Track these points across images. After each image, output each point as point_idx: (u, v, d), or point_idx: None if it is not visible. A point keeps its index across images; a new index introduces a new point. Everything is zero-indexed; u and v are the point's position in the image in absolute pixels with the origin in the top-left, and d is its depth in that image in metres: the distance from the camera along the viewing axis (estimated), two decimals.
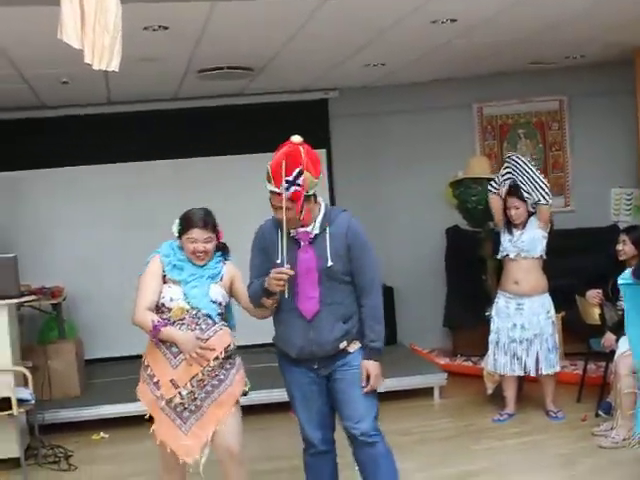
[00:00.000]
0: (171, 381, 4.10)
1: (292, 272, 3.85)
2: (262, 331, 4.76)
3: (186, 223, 4.18)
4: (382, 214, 8.69)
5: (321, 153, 8.70)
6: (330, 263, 3.92)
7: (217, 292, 4.19)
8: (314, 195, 3.97)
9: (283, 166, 3.78)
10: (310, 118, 8.35)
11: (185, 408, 4.13)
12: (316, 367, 4.05)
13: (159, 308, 4.15)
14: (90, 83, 7.04)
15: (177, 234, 4.20)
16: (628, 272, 4.80)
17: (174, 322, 4.10)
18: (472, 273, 7.68)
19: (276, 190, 3.83)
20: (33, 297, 6.79)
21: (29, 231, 8.37)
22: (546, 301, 6.40)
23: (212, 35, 5.85)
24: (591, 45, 7.36)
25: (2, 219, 8.29)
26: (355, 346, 4.05)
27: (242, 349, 4.41)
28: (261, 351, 6.67)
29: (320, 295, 3.94)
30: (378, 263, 4.10)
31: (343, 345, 4.00)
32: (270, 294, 3.95)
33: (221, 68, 7.03)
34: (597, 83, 8.49)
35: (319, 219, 3.98)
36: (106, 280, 8.29)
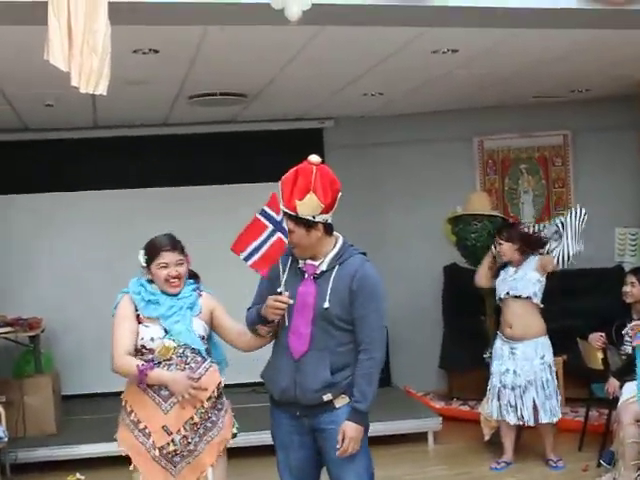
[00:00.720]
0: (163, 427, 3.84)
1: (291, 301, 3.63)
2: (245, 369, 4.58)
3: (153, 249, 3.96)
4: (377, 248, 8.43)
5: None
6: (326, 305, 3.64)
7: (199, 325, 3.95)
8: (325, 225, 3.73)
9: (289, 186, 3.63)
10: (304, 148, 8.11)
11: (177, 454, 3.88)
12: (298, 414, 3.75)
13: (139, 351, 3.88)
14: (76, 106, 6.94)
15: (145, 264, 3.97)
16: None
17: (160, 363, 3.84)
18: (470, 313, 7.58)
19: (285, 210, 3.64)
20: (9, 329, 6.61)
21: (7, 258, 8.16)
22: (540, 345, 6.19)
23: (204, 60, 5.76)
24: (596, 78, 7.28)
25: None
26: (343, 401, 3.70)
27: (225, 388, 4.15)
28: (244, 391, 6.47)
29: (311, 336, 3.67)
30: (384, 317, 3.76)
31: (327, 397, 3.68)
32: (266, 322, 3.74)
33: (214, 94, 6.94)
34: (602, 118, 8.38)
35: (330, 255, 3.74)
36: (87, 312, 8.05)
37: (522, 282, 6.17)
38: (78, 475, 6.37)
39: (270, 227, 3.63)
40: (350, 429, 3.64)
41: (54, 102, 6.81)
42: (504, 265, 6.37)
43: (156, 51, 5.42)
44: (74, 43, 3.40)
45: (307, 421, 3.74)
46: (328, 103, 7.74)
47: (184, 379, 3.79)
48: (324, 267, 3.71)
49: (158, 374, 3.81)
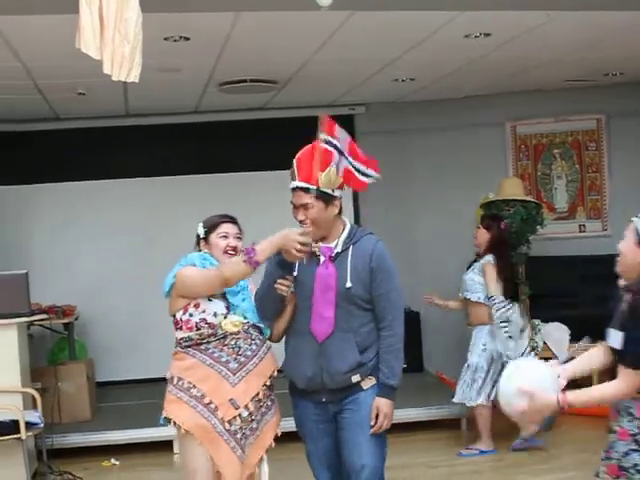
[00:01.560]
0: (230, 401, 3.67)
1: (310, 229, 3.60)
2: None
3: (214, 220, 3.88)
4: (409, 235, 8.52)
5: None
6: (349, 284, 3.64)
7: None
8: (338, 207, 3.73)
9: (317, 158, 3.59)
10: None
11: (244, 434, 3.72)
12: (324, 400, 3.72)
13: (196, 325, 3.71)
14: (108, 95, 6.97)
15: (203, 235, 3.86)
16: None
17: (225, 337, 3.70)
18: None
19: (301, 185, 3.63)
20: (44, 316, 6.67)
21: (42, 247, 8.26)
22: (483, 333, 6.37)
23: (235, 46, 5.76)
24: (630, 62, 7.18)
25: (14, 234, 8.19)
26: (370, 382, 3.70)
27: None
28: None
29: (335, 317, 3.65)
30: (402, 292, 3.78)
31: (356, 379, 3.67)
32: (285, 267, 3.66)
33: (244, 81, 6.93)
34: (636, 101, 8.27)
35: (342, 237, 3.73)
36: (120, 300, 8.13)
37: (470, 285, 6.43)
38: (113, 460, 6.45)
39: (336, 153, 3.64)
40: (384, 405, 3.66)
41: (85, 91, 6.84)
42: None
43: (187, 38, 5.43)
44: (106, 31, 3.38)
45: (332, 407, 3.72)
46: (359, 89, 7.71)
47: (290, 231, 3.61)
48: (339, 249, 3.70)
49: (266, 244, 3.61)
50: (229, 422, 3.67)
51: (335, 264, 3.68)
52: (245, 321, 3.75)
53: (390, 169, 8.57)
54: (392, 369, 3.68)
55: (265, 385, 3.76)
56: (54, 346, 7.67)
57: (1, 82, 6.46)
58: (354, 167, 3.72)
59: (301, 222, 3.65)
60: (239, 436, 3.70)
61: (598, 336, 6.81)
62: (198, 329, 3.71)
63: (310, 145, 3.68)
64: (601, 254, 7.28)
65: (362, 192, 8.59)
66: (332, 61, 6.35)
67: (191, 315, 3.71)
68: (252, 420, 3.73)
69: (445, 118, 8.51)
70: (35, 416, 5.67)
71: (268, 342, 3.83)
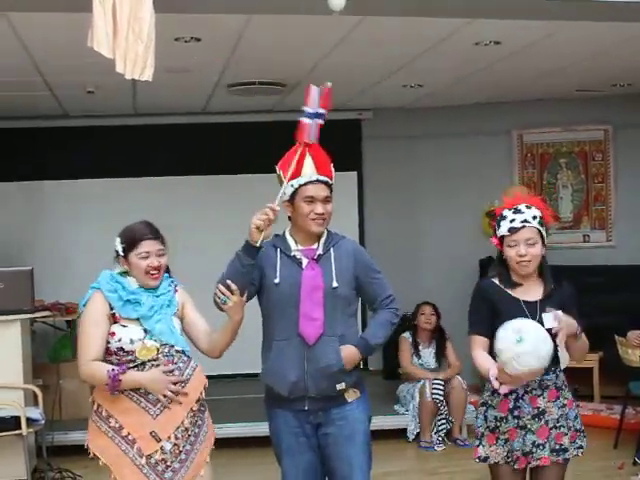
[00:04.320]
0: (151, 434, 3.46)
1: (278, 208, 3.51)
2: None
3: (133, 237, 3.59)
4: (414, 241, 8.52)
5: (352, 176, 8.56)
6: (335, 284, 3.60)
7: (177, 323, 3.63)
8: None
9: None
10: (342, 139, 8.15)
11: (168, 467, 3.48)
12: (306, 409, 3.62)
13: (115, 353, 3.51)
14: (116, 93, 6.99)
15: (122, 253, 3.59)
16: None
17: (144, 364, 3.50)
18: None
19: (322, 178, 3.60)
20: (47, 313, 6.63)
21: (47, 244, 8.26)
22: None
23: (246, 49, 5.79)
24: (638, 73, 7.17)
25: (21, 230, 8.19)
26: (354, 395, 3.66)
27: None
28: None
29: (324, 319, 3.59)
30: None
31: (341, 387, 3.61)
32: (248, 250, 3.48)
33: (253, 83, 6.95)
34: None
35: (323, 239, 3.68)
36: None
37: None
38: None
39: (306, 121, 3.60)
40: (349, 350, 3.60)
41: (95, 89, 6.85)
42: None
43: (198, 39, 5.45)
44: (119, 30, 3.39)
45: (314, 417, 3.63)
46: (367, 94, 7.72)
47: (160, 374, 3.48)
48: (320, 251, 3.65)
49: (132, 377, 3.45)
50: (148, 455, 3.47)
51: (319, 265, 3.64)
52: (162, 344, 3.53)
53: (396, 174, 8.65)
54: (376, 333, 3.71)
55: (192, 410, 3.54)
56: (56, 343, 7.63)
57: (11, 79, 6.48)
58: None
59: (318, 216, 3.58)
60: (161, 468, 3.48)
61: (600, 347, 6.86)
62: (118, 356, 3.50)
63: (312, 145, 3.64)
64: (605, 264, 7.31)
65: (367, 194, 8.65)
66: (341, 65, 6.35)
67: (109, 343, 3.51)
68: (180, 452, 3.52)
69: (452, 125, 8.52)
70: (36, 413, 5.64)
71: (193, 362, 3.61)
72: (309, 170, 3.60)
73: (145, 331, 3.52)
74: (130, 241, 3.59)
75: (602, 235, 8.54)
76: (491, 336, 3.45)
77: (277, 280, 3.59)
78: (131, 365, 3.49)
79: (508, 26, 5.40)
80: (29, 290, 5.87)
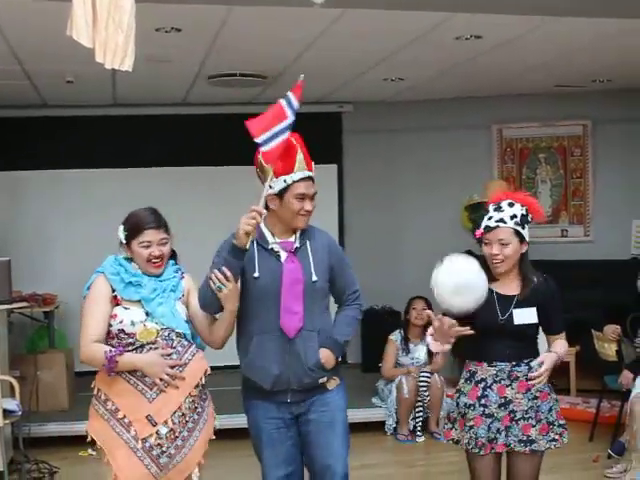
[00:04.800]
0: (147, 417, 3.45)
1: (264, 211, 3.51)
2: None
3: (135, 225, 3.58)
4: (394, 235, 8.53)
5: (332, 168, 8.56)
6: (315, 278, 3.63)
7: (182, 309, 3.63)
8: None
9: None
10: (322, 132, 8.17)
11: (163, 452, 3.47)
12: (289, 401, 3.66)
13: (116, 336, 3.51)
14: (96, 83, 6.95)
15: (124, 240, 3.60)
16: None
17: (143, 347, 3.49)
18: None
19: (311, 175, 3.61)
20: (24, 304, 6.59)
21: (25, 234, 8.20)
22: None
23: (226, 40, 5.75)
24: (618, 69, 7.22)
25: None
26: (335, 383, 3.72)
27: None
28: None
29: (304, 312, 3.62)
30: None
31: (323, 380, 3.67)
32: (237, 253, 3.47)
33: (234, 75, 6.92)
34: (623, 109, 8.31)
35: (298, 232, 3.69)
36: None
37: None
38: (90, 451, 6.39)
39: (290, 118, 3.52)
40: (326, 354, 3.65)
41: (74, 79, 6.80)
42: None
43: (178, 30, 5.41)
44: (99, 19, 3.34)
45: (296, 408, 3.67)
46: (348, 87, 7.71)
47: (157, 357, 3.46)
48: (297, 244, 3.67)
49: (129, 359, 3.45)
50: (144, 439, 3.44)
51: (297, 258, 3.65)
52: (163, 327, 3.51)
53: (376, 168, 8.66)
54: (343, 331, 3.74)
55: (190, 395, 3.52)
56: (34, 334, 7.62)
57: None
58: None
59: (307, 212, 3.60)
60: (156, 453, 3.46)
61: (577, 341, 6.90)
62: (119, 339, 3.50)
63: (292, 134, 3.59)
64: (582, 259, 7.35)
65: (347, 187, 8.64)
66: (322, 58, 6.35)
67: (110, 325, 3.51)
68: (176, 437, 3.48)
69: (433, 119, 8.53)
70: (13, 404, 5.57)
71: (193, 347, 3.60)
72: (301, 166, 3.59)
73: (147, 314, 3.52)
74: (133, 229, 3.58)
75: (580, 230, 8.58)
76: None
77: (257, 274, 3.59)
78: (130, 348, 3.48)
79: (489, 21, 5.40)
80: (6, 281, 5.88)
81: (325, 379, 3.67)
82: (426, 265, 8.87)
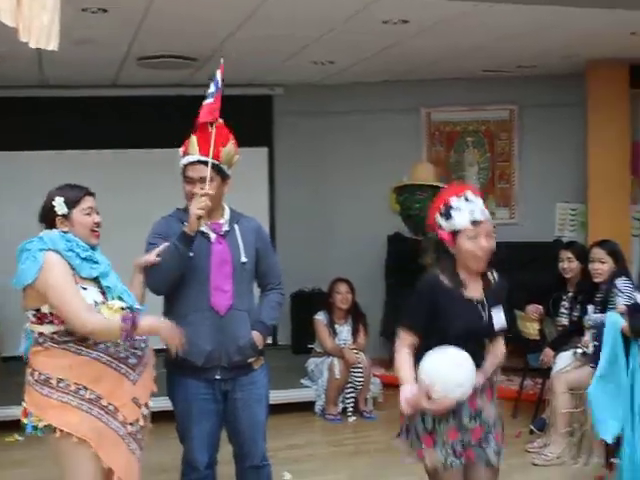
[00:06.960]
0: (133, 400, 3.34)
1: (212, 192, 3.70)
2: None
3: (75, 193, 3.45)
4: (322, 215, 8.55)
5: (263, 151, 8.55)
6: (244, 259, 3.83)
7: None
8: (228, 187, 3.88)
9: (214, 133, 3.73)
10: (253, 114, 8.16)
11: (140, 431, 3.42)
12: (219, 378, 3.82)
13: None
14: (22, 64, 6.79)
15: (65, 211, 3.42)
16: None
17: None
18: (412, 282, 7.50)
19: (202, 159, 3.73)
20: None
21: None
22: None
23: (155, 20, 5.67)
24: (546, 56, 7.33)
25: None
26: (260, 362, 3.95)
27: None
28: None
29: (233, 292, 3.80)
30: None
31: (251, 360, 3.88)
32: (186, 241, 3.65)
33: (163, 56, 6.83)
34: (548, 94, 8.44)
35: (226, 216, 3.89)
36: None
37: None
38: (17, 436, 6.33)
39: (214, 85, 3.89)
40: (257, 336, 3.87)
41: None
42: None
43: (105, 10, 5.33)
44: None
45: (224, 385, 3.84)
46: (278, 70, 7.69)
47: (175, 327, 3.43)
48: (226, 227, 3.85)
49: (149, 323, 3.30)
50: (131, 424, 3.35)
51: (226, 240, 3.81)
52: (126, 305, 3.37)
53: (306, 151, 8.67)
54: (270, 315, 3.95)
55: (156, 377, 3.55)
56: None
57: None
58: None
59: (193, 196, 3.71)
60: (140, 436, 3.42)
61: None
62: None
63: (200, 121, 3.81)
64: (508, 241, 7.46)
65: (278, 170, 8.64)
66: (251, 40, 6.31)
67: None
68: (146, 417, 3.47)
69: (363, 102, 8.54)
70: None
71: None
72: (194, 151, 3.83)
73: (103, 293, 3.37)
74: (74, 197, 3.46)
75: (506, 213, 8.73)
76: (422, 335, 3.36)
77: (190, 254, 3.69)
78: None
79: (416, 5, 5.43)
80: None
81: (254, 359, 3.86)
82: (355, 247, 9.03)
